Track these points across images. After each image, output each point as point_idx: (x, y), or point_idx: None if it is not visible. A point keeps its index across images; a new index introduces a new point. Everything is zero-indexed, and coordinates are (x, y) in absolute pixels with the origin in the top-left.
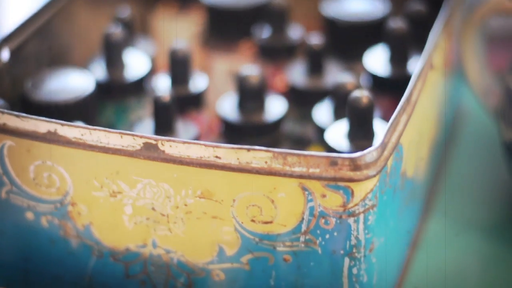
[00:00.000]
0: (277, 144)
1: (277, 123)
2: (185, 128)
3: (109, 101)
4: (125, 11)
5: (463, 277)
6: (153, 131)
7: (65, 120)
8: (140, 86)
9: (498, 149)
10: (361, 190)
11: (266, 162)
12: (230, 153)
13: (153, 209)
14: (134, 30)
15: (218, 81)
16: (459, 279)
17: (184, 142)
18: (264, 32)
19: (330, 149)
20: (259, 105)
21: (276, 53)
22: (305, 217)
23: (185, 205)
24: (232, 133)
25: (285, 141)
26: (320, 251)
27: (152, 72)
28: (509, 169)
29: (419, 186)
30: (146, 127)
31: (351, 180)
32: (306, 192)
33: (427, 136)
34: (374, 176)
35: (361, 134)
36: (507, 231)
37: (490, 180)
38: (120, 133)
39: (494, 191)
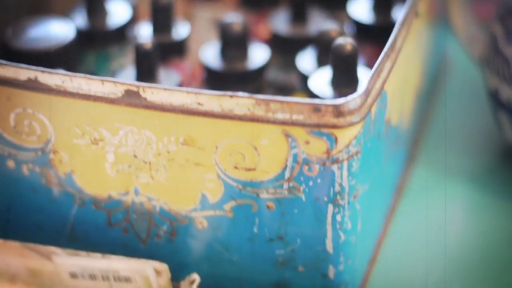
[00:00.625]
0: (261, 92)
1: (260, 71)
2: (168, 76)
3: (91, 49)
4: None
5: (447, 224)
6: (135, 79)
7: (46, 68)
8: (122, 34)
9: (483, 97)
10: (344, 136)
11: (249, 109)
12: (212, 100)
13: (135, 156)
14: None
15: (200, 29)
16: (443, 226)
17: (166, 89)
18: None
19: (313, 96)
20: (242, 53)
21: (259, 0)
22: (288, 164)
23: (168, 152)
24: (215, 81)
25: (269, 89)
26: (303, 198)
27: (134, 20)
28: (494, 117)
29: (403, 134)
30: (128, 75)
31: (335, 126)
32: (290, 139)
33: (412, 84)
34: (358, 122)
35: (345, 81)
36: (491, 179)
37: (474, 128)
38: (101, 80)
39: (479, 139)
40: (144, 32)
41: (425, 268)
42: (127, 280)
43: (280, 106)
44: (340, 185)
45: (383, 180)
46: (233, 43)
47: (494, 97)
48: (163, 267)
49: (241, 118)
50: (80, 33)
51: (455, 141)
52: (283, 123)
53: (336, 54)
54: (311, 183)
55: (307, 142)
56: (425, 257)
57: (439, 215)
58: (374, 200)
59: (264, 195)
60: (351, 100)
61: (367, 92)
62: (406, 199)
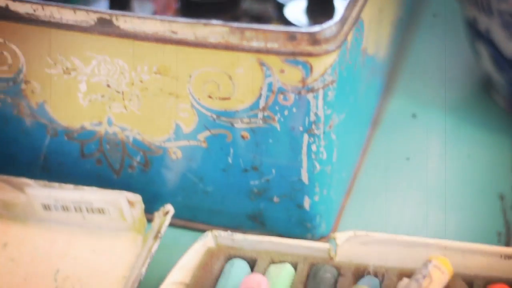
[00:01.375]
0: (236, 21)
1: (236, 0)
2: (141, 5)
3: None
4: None
5: (423, 156)
6: (108, 8)
7: None
8: None
9: (460, 27)
10: (320, 65)
11: (223, 37)
12: (186, 28)
13: (108, 86)
14: None
15: None
16: (420, 158)
17: (139, 16)
18: None
19: (289, 25)
20: None
21: None
22: (263, 93)
23: (141, 81)
24: (189, 10)
25: (244, 18)
26: (278, 128)
27: None
28: (472, 47)
29: (380, 64)
30: (101, 4)
31: (310, 54)
32: (264, 68)
33: (389, 13)
34: (334, 51)
35: (321, 10)
36: (469, 109)
37: (452, 58)
38: (73, 8)
39: (456, 69)
40: None
41: (402, 199)
42: (101, 211)
43: (255, 34)
44: (316, 114)
45: (359, 111)
46: None
47: (472, 27)
48: (137, 198)
49: (215, 46)
50: None
51: (432, 71)
52: (258, 51)
53: None
54: (286, 113)
55: (282, 71)
56: (402, 187)
57: (415, 146)
58: (350, 130)
59: (238, 125)
60: (327, 28)
61: (343, 20)
62: (382, 130)
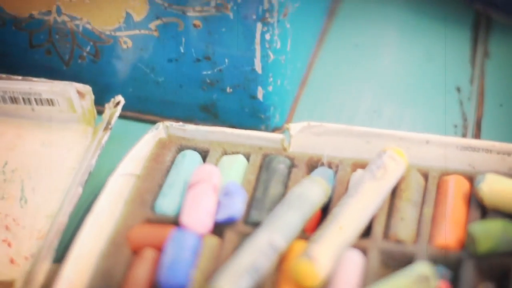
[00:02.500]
0: None
1: None
2: None
3: None
4: None
5: (380, 48)
6: None
7: None
8: None
9: None
10: None
11: None
12: None
13: None
14: None
15: None
16: (376, 50)
17: None
18: None
19: None
20: None
21: None
22: None
23: None
24: None
25: None
26: (231, 16)
27: None
28: None
29: None
30: None
31: None
32: None
33: None
34: None
35: None
36: (427, 3)
37: None
38: None
39: None
40: None
41: (357, 91)
42: (50, 102)
43: None
44: (269, 2)
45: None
46: None
47: None
48: (87, 89)
49: None
50: None
51: None
52: None
53: None
54: (239, 0)
55: None
56: (357, 79)
57: (372, 37)
58: (305, 20)
59: (190, 13)
60: None
61: None
62: (338, 21)
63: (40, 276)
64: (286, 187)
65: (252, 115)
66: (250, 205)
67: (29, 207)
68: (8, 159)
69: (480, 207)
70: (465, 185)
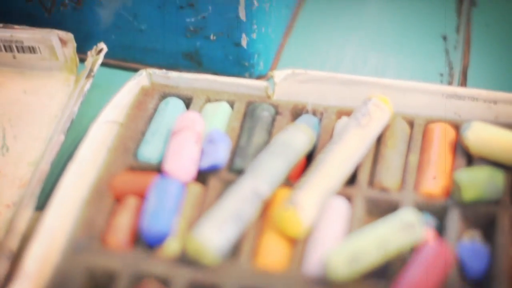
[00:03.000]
0: None
1: None
2: None
3: None
4: None
5: (365, 0)
6: None
7: None
8: None
9: None
10: None
11: None
12: None
13: None
14: None
15: None
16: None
17: None
18: None
19: None
20: None
21: None
22: None
23: None
24: None
25: None
26: None
27: None
28: None
29: None
30: None
31: None
32: None
33: None
34: None
35: None
36: None
37: None
38: None
39: None
40: None
41: (343, 39)
42: (32, 50)
43: None
44: None
45: None
46: None
47: None
48: (69, 36)
49: None
50: None
51: None
52: None
53: None
54: None
55: None
56: (343, 27)
57: None
58: None
59: None
60: None
61: None
62: None
63: (22, 224)
64: (270, 134)
65: (236, 63)
66: (234, 152)
67: (11, 155)
68: None
69: (466, 155)
70: (451, 133)
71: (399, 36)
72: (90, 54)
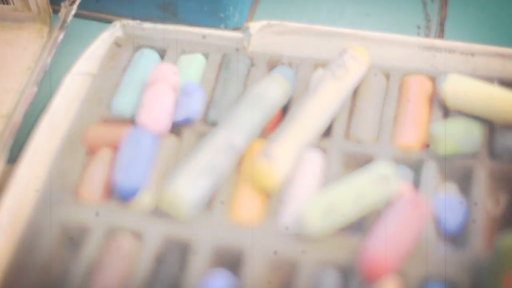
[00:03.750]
0: None
1: None
2: None
3: None
4: None
5: None
6: None
7: None
8: None
9: None
10: None
11: None
12: None
13: None
14: None
15: None
16: None
17: None
18: None
19: None
20: None
21: None
22: None
23: None
24: None
25: None
26: None
27: None
28: None
29: None
30: None
31: None
32: None
33: None
34: None
35: None
36: None
37: None
38: None
39: None
40: None
41: None
42: (3, 1)
43: None
44: None
45: None
46: None
47: None
48: None
49: None
50: None
51: None
52: None
53: None
54: None
55: None
56: None
57: None
58: None
59: None
60: None
61: None
62: None
63: None
64: (245, 86)
65: (211, 14)
66: (209, 104)
67: None
68: None
69: (442, 108)
70: (427, 85)
71: None
72: (64, 5)
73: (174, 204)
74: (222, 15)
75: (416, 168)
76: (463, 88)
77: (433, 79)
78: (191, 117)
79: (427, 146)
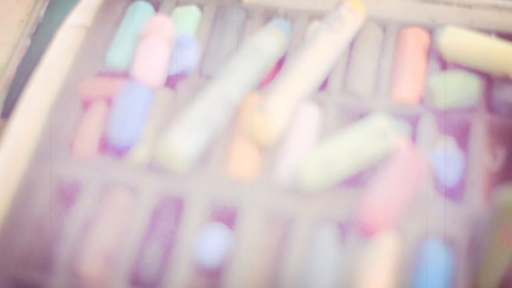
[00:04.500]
0: None
1: None
2: None
3: None
4: None
5: None
6: None
7: None
8: None
9: None
10: None
11: None
12: None
13: None
14: None
15: None
16: None
17: None
18: None
19: None
20: None
21: None
22: None
23: None
24: None
25: None
26: None
27: None
28: None
29: None
30: None
31: None
32: None
33: None
34: None
35: None
36: None
37: None
38: None
39: None
40: None
41: None
42: None
43: None
44: None
45: None
46: None
47: None
48: None
49: None
50: None
51: None
52: None
53: None
54: None
55: None
56: None
57: None
58: None
59: None
60: None
61: None
62: None
63: None
64: (241, 39)
65: None
66: (204, 57)
67: None
68: None
69: (439, 61)
70: (424, 38)
71: None
72: None
73: (169, 157)
74: None
75: (413, 121)
76: (460, 40)
77: (430, 32)
78: (186, 70)
79: (424, 99)
